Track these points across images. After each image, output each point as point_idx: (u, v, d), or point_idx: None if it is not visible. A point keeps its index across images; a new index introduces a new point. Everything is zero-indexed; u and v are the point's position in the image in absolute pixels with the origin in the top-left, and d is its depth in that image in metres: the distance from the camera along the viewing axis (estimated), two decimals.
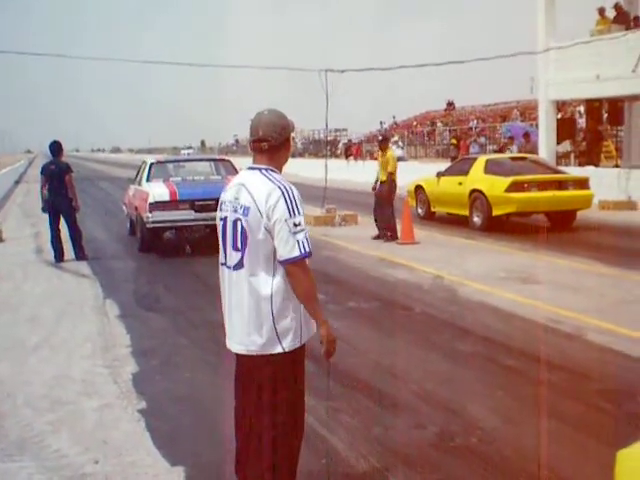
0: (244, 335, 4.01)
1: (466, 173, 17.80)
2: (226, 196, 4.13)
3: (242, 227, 3.97)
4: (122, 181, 46.24)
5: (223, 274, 4.15)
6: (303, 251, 3.83)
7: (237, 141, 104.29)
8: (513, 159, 18.72)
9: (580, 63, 23.76)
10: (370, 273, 12.43)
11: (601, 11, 25.19)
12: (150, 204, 14.11)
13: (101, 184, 44.20)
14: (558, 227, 17.19)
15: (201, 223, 13.82)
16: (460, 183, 17.83)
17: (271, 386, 4.03)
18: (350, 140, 50.80)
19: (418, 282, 11.54)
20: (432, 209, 19.69)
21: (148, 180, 15.29)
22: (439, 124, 55.62)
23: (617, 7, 24.88)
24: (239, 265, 4.00)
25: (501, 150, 33.94)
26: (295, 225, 3.83)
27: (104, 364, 7.55)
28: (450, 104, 64.34)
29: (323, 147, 67.84)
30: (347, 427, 5.76)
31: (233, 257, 4.04)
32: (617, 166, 25.32)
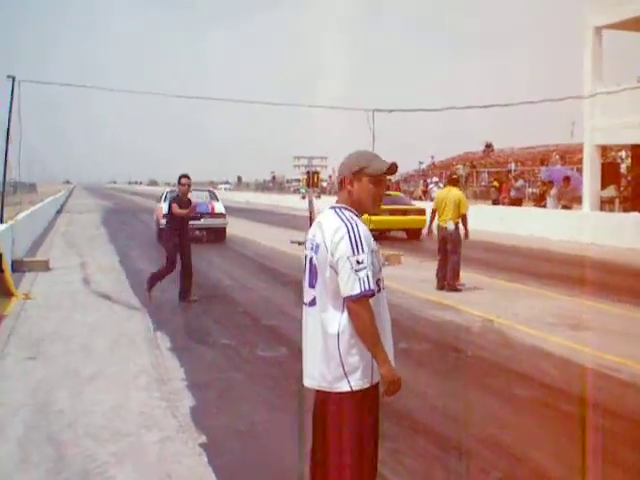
0: (315, 370, 4.06)
1: None
2: (308, 234, 4.20)
3: (314, 264, 4.05)
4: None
5: (303, 311, 4.20)
6: (364, 288, 3.81)
7: (274, 177, 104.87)
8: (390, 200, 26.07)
9: (627, 108, 23.69)
10: (419, 314, 12.39)
11: None
12: (163, 214, 20.85)
13: (141, 216, 44.59)
14: (411, 238, 26.63)
15: (192, 225, 17.51)
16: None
17: (337, 424, 4.01)
18: (390, 180, 50.83)
19: (467, 325, 11.48)
20: None
21: (164, 200, 25.09)
22: (478, 166, 55.54)
23: None
24: (313, 302, 4.07)
25: (542, 195, 33.85)
26: (358, 263, 3.83)
27: (161, 397, 7.58)
28: (489, 146, 64.43)
29: None
30: (410, 470, 5.72)
31: (309, 294, 4.11)
32: None
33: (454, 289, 14.77)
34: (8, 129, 19.11)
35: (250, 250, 23.30)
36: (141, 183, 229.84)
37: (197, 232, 24.53)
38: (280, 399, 7.60)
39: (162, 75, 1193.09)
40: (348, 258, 3.85)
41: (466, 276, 15.66)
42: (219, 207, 26.52)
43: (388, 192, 24.82)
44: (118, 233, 30.52)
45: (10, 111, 18.90)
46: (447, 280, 14.91)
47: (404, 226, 26.68)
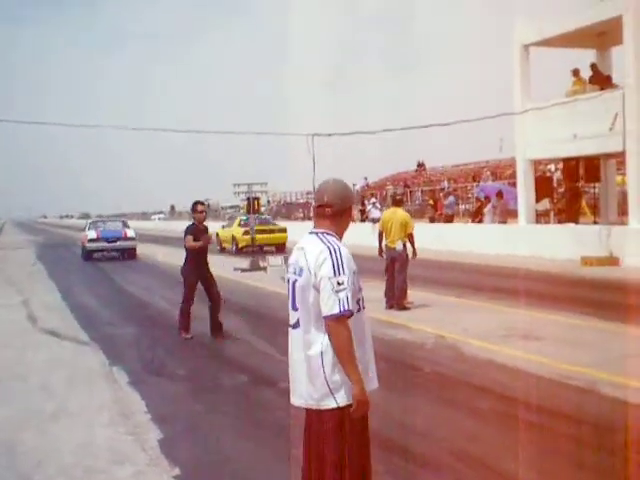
0: (302, 389, 4.26)
1: (231, 226, 36.04)
2: (290, 259, 4.37)
3: (297, 287, 4.27)
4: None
5: (289, 334, 4.40)
6: (343, 308, 4.03)
7: (209, 205, 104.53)
8: (259, 221, 32.03)
9: (557, 123, 24.31)
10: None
11: (576, 72, 25.84)
12: (88, 239, 31.92)
13: (75, 250, 44.02)
14: (279, 251, 31.50)
15: (109, 247, 30.61)
16: (224, 228, 37.28)
17: (327, 440, 4.20)
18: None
19: (420, 342, 11.64)
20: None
21: (88, 229, 33.67)
22: (411, 185, 56.18)
23: (593, 67, 25.53)
24: (296, 324, 4.30)
25: (477, 211, 34.41)
26: (339, 284, 4.06)
27: (127, 431, 7.54)
28: (421, 165, 65.19)
29: (296, 209, 68.61)
30: None
31: (293, 317, 4.34)
32: (595, 222, 25.74)
33: (403, 307, 14.95)
34: None
35: None
36: (72, 217, 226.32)
37: (114, 253, 34.20)
38: (249, 428, 7.63)
39: (94, 103, 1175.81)
40: (329, 279, 4.06)
41: (413, 294, 15.81)
42: (130, 233, 34.36)
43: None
44: (56, 268, 30.07)
45: None
46: (396, 299, 15.07)
47: (271, 242, 33.88)
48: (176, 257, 31.43)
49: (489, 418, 7.54)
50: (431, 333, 12.27)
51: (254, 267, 24.62)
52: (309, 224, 28.09)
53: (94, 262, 32.22)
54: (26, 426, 7.87)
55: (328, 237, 4.27)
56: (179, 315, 13.15)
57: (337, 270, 4.08)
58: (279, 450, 6.70)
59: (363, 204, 51.28)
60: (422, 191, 52.50)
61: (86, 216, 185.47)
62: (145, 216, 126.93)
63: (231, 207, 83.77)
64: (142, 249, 36.03)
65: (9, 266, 32.55)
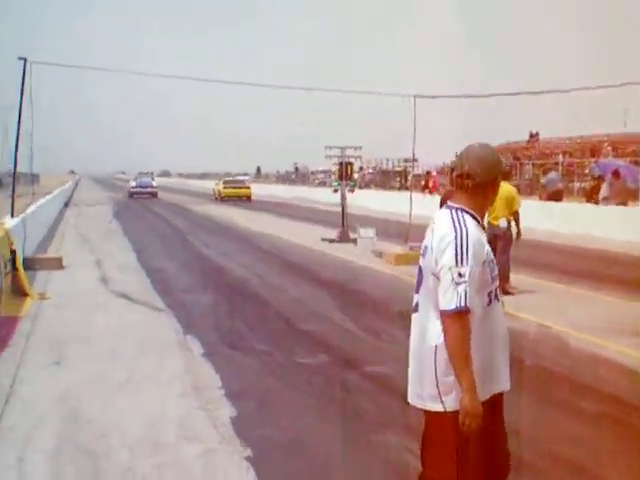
0: (412, 385, 4.14)
1: (218, 184, 63.52)
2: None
3: (421, 268, 4.12)
4: (175, 207, 47.08)
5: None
6: (459, 305, 3.80)
7: (297, 169, 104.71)
8: (231, 181, 65.85)
9: None
10: None
11: None
12: (130, 186, 66.19)
13: (155, 209, 44.94)
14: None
15: (142, 191, 63.87)
16: (216, 184, 64.34)
17: (432, 446, 4.05)
18: (430, 171, 50.53)
19: (523, 331, 11.45)
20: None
21: (132, 181, 69.08)
22: (521, 157, 55.25)
23: None
24: (415, 308, 4.13)
25: (593, 189, 33.65)
26: (460, 275, 3.82)
27: (199, 406, 7.65)
28: (533, 135, 63.83)
29: (392, 178, 68.27)
30: None
31: (414, 299, 4.18)
32: None
33: (505, 292, 14.71)
34: (19, 117, 19.19)
35: (273, 246, 23.41)
36: (152, 173, 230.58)
37: (144, 195, 62.83)
38: (324, 409, 7.66)
39: (174, 57, 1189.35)
40: (450, 269, 3.84)
41: (517, 279, 15.57)
42: (154, 183, 66.46)
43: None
44: (132, 227, 30.70)
45: (22, 96, 18.97)
46: None
47: (240, 195, 59.97)
48: (258, 223, 31.90)
49: (593, 420, 7.38)
50: (535, 322, 12.07)
51: (343, 238, 24.63)
52: (404, 195, 27.68)
53: (172, 224, 32.91)
54: (92, 394, 8.07)
55: (461, 216, 3.98)
56: None
57: (460, 259, 3.83)
58: (357, 436, 6.72)
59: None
60: (533, 165, 51.62)
61: (166, 174, 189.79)
62: (231, 176, 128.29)
63: (322, 172, 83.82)
64: (223, 212, 36.45)
65: (84, 223, 33.39)
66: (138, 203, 52.97)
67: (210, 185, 73.12)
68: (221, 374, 8.87)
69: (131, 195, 63.95)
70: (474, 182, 4.03)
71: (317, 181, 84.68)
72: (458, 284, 3.81)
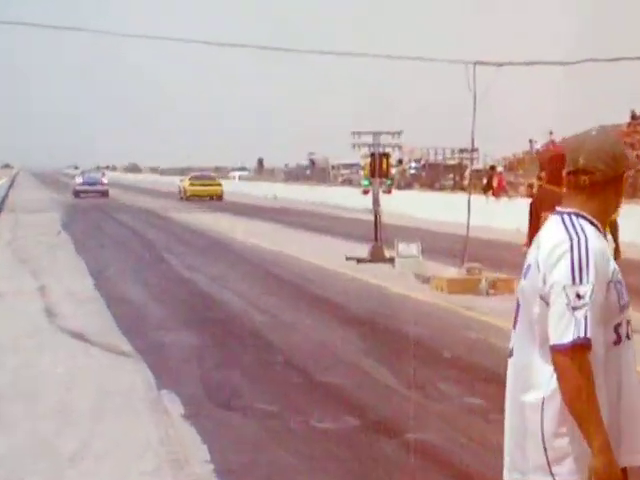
0: (509, 455, 4.00)
1: (184, 180, 74.11)
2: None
3: (521, 294, 4.02)
4: (149, 214, 47.33)
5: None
6: (578, 335, 3.66)
7: (313, 162, 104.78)
8: (199, 176, 76.07)
9: None
10: None
11: None
12: (76, 183, 74.87)
13: (119, 217, 45.06)
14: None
15: (90, 189, 72.52)
16: (181, 181, 75.47)
17: None
18: (494, 166, 50.32)
19: None
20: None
21: (78, 177, 78.33)
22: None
23: None
24: (511, 351, 4.04)
25: None
26: (578, 297, 3.69)
27: None
28: (636, 117, 63.68)
29: (443, 175, 68.27)
30: None
31: (511, 339, 4.08)
32: None
33: None
34: None
35: (287, 270, 23.39)
36: (115, 168, 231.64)
37: (91, 194, 70.68)
38: None
39: (141, 12, 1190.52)
40: (564, 288, 3.73)
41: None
42: (105, 180, 75.13)
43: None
44: (89, 242, 30.83)
45: None
46: None
47: (210, 194, 68.58)
48: (262, 237, 31.87)
49: None
50: None
51: (376, 257, 24.57)
52: (461, 198, 27.82)
53: (143, 235, 33.00)
54: (33, 470, 8.06)
55: (578, 222, 3.89)
56: None
57: (578, 275, 3.72)
58: None
59: (542, 171, 50.44)
60: (638, 156, 51.47)
61: (134, 168, 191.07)
62: (221, 173, 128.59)
63: (347, 166, 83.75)
64: (214, 221, 36.54)
65: (23, 235, 33.50)
66: (96, 209, 53.08)
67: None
68: (209, 444, 8.84)
69: (77, 194, 71.88)
70: (593, 180, 3.94)
71: (340, 178, 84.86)
72: (576, 308, 3.68)
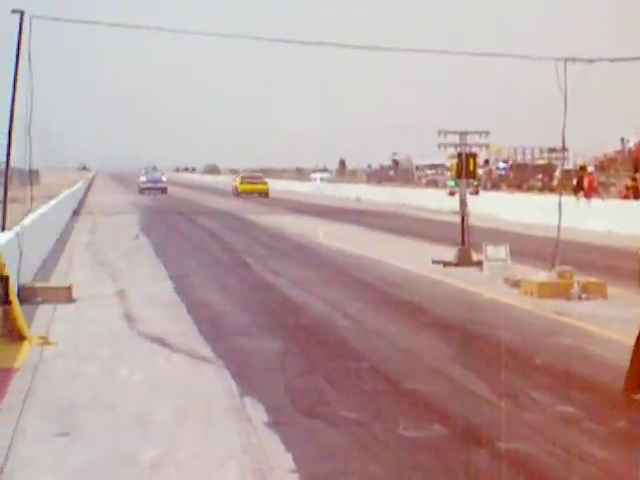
0: None
1: (236, 179, 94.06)
2: None
3: None
4: (229, 217, 47.58)
5: None
6: None
7: (396, 163, 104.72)
8: (248, 176, 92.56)
9: None
10: None
11: None
12: (141, 181, 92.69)
13: (200, 220, 45.29)
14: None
15: (152, 187, 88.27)
16: (234, 180, 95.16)
17: None
18: (584, 166, 49.79)
19: None
20: None
21: (142, 176, 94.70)
22: None
23: None
24: None
25: None
26: None
27: None
28: None
29: (531, 175, 67.77)
30: None
31: None
32: None
33: None
34: (14, 91, 19.40)
35: (371, 274, 23.34)
36: (194, 170, 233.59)
37: (152, 190, 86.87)
38: None
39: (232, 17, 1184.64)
40: None
41: None
42: (164, 178, 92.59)
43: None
44: (168, 245, 31.01)
45: (17, 61, 19.19)
46: None
47: (257, 191, 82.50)
48: (346, 240, 31.86)
49: None
50: None
51: (463, 261, 24.43)
52: (550, 199, 27.52)
53: (222, 238, 33.21)
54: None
55: None
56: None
57: None
58: None
59: (637, 171, 49.86)
60: None
61: (213, 170, 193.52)
62: (301, 174, 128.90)
63: (431, 166, 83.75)
64: (295, 224, 36.60)
65: (101, 239, 33.81)
66: (175, 213, 53.47)
67: (280, 187, 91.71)
68: (294, 453, 8.81)
69: (141, 191, 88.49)
70: None
71: (424, 180, 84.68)
72: None
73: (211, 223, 43.08)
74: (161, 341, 14.32)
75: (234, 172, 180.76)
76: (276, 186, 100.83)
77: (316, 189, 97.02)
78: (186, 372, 12.37)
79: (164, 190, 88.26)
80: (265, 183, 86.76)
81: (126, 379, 11.90)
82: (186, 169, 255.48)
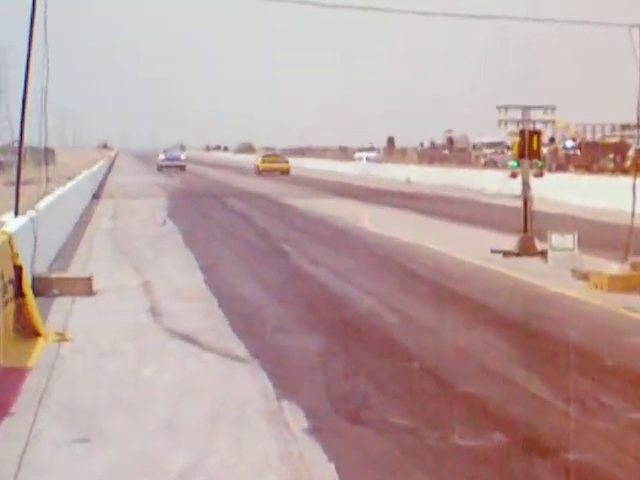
0: None
1: (257, 159, 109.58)
2: None
3: None
4: (262, 200, 47.66)
5: None
6: None
7: (451, 140, 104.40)
8: (269, 155, 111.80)
9: None
10: None
11: None
12: (160, 159, 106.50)
13: (232, 203, 45.36)
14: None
15: (171, 164, 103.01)
16: (256, 159, 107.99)
17: None
18: None
19: None
20: None
21: (161, 154, 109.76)
22: None
23: None
24: None
25: None
26: None
27: None
28: None
29: (602, 155, 67.34)
30: None
31: None
32: None
33: None
34: (28, 63, 19.47)
35: (421, 264, 23.32)
36: (227, 149, 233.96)
37: (173, 167, 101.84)
38: None
39: None
40: None
41: None
42: (183, 156, 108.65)
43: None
44: (197, 232, 31.06)
45: (31, 30, 19.27)
46: None
47: (279, 169, 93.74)
48: (396, 226, 31.79)
49: None
50: None
51: (525, 250, 24.34)
52: (624, 182, 27.42)
53: (257, 224, 33.30)
54: None
55: None
56: None
57: None
58: None
59: None
60: None
61: (248, 148, 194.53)
62: (345, 153, 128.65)
63: (490, 145, 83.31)
64: (338, 208, 36.59)
65: (125, 224, 33.93)
66: (205, 196, 53.55)
67: (321, 167, 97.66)
68: (336, 462, 8.83)
69: (160, 168, 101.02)
70: None
71: (483, 160, 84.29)
72: None
73: (244, 206, 43.11)
74: (190, 338, 14.36)
75: (270, 150, 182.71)
76: (317, 166, 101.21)
77: (362, 170, 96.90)
78: (218, 372, 12.40)
79: (182, 167, 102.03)
80: (286, 162, 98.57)
81: (152, 380, 11.94)
82: (218, 147, 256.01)
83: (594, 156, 66.63)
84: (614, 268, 19.83)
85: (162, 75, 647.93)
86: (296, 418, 10.28)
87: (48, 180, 26.44)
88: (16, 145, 21.93)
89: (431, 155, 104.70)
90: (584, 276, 20.04)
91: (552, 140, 65.77)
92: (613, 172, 57.24)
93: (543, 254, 23.29)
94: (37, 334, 14.18)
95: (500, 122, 25.53)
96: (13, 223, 17.73)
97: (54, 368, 12.47)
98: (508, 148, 33.95)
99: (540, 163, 26.06)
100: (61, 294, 17.66)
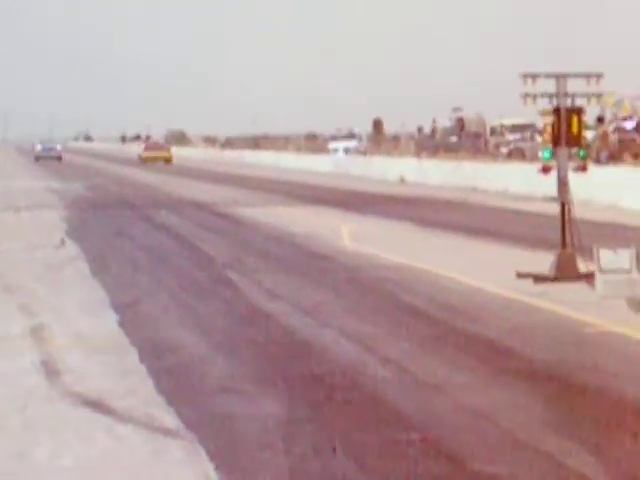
0: None
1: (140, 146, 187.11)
2: None
3: None
4: (202, 212, 47.85)
5: None
6: None
7: (461, 124, 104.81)
8: (151, 145, 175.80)
9: None
10: None
11: None
12: (37, 150, 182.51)
13: (159, 214, 45.55)
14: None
15: (46, 155, 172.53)
16: (140, 148, 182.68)
17: None
18: None
19: None
20: None
21: (38, 144, 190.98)
22: None
23: None
24: None
25: None
26: None
27: None
28: None
29: None
30: None
31: None
32: None
33: None
34: None
35: (422, 295, 23.39)
36: (149, 138, 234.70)
37: (48, 158, 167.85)
38: None
39: None
40: None
41: None
42: (59, 147, 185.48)
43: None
44: (109, 253, 31.14)
45: None
46: None
47: (162, 160, 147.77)
48: (388, 243, 31.77)
49: None
50: None
51: (563, 272, 24.39)
52: None
53: (195, 245, 33.45)
54: None
55: None
56: None
57: None
58: None
59: None
60: None
61: (180, 139, 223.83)
62: (315, 143, 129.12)
63: (515, 128, 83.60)
64: (312, 219, 36.78)
65: (6, 249, 33.94)
66: (120, 206, 53.45)
67: (282, 163, 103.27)
68: None
69: (37, 158, 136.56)
70: None
71: (504, 149, 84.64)
72: None
73: (177, 220, 43.21)
74: (100, 405, 14.33)
75: (209, 141, 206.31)
76: (278, 162, 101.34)
77: (337, 165, 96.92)
78: (139, 452, 12.32)
79: (59, 158, 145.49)
80: (168, 150, 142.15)
81: (46, 466, 11.88)
82: (138, 137, 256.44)
83: None
84: None
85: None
86: None
87: None
88: None
89: (433, 144, 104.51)
90: None
91: (600, 120, 66.14)
92: None
93: (589, 278, 23.34)
94: None
95: (526, 97, 25.51)
96: None
97: None
98: (538, 133, 34.01)
99: (583, 153, 26.11)
100: None
